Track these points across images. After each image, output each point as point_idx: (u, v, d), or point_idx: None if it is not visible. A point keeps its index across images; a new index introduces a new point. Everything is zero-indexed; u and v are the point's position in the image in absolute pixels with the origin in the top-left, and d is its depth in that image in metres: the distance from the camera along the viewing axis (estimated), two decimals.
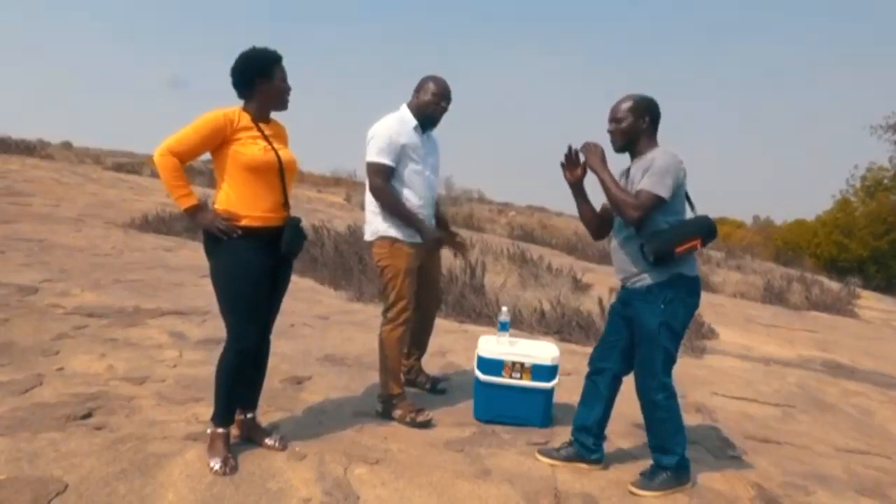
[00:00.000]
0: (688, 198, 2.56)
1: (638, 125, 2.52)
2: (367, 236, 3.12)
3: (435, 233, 3.08)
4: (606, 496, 2.50)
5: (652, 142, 2.55)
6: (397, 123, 3.02)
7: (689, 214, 2.55)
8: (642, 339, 2.54)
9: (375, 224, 3.05)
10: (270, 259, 2.44)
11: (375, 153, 2.96)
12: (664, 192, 2.39)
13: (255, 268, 2.39)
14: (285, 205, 2.49)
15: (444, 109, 3.10)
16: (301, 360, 3.79)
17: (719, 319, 7.20)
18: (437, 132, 3.23)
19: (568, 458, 2.72)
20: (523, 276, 7.59)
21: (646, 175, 2.42)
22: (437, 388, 3.49)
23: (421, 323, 3.36)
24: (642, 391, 2.57)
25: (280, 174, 2.44)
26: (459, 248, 3.43)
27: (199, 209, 2.37)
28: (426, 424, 3.00)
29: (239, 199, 2.39)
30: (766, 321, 8.01)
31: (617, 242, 2.63)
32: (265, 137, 2.42)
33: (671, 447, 2.56)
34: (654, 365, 2.51)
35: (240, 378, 2.47)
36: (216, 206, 2.42)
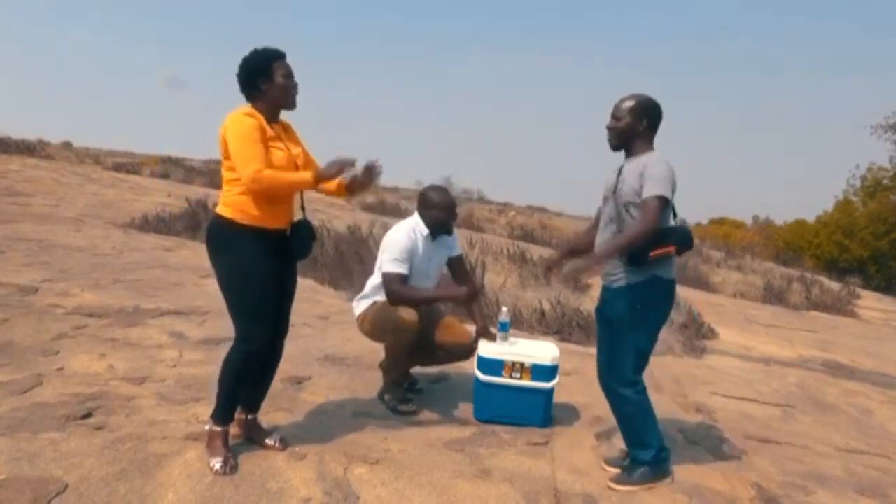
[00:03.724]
0: (672, 207, 2.56)
1: (635, 126, 2.54)
2: (357, 312, 3.26)
3: (460, 290, 3.13)
4: (606, 496, 2.50)
5: (647, 145, 2.56)
6: (410, 233, 3.15)
7: (671, 223, 2.56)
8: (615, 336, 2.59)
9: (362, 305, 3.23)
10: (277, 260, 2.44)
11: (390, 263, 3.07)
12: (667, 192, 2.40)
13: (264, 269, 2.38)
14: (301, 208, 2.51)
15: (446, 220, 3.20)
16: (301, 360, 3.79)
17: (719, 319, 7.20)
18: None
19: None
20: (523, 276, 7.60)
21: (645, 183, 2.41)
22: (415, 388, 3.53)
23: (429, 339, 3.29)
24: (610, 387, 2.61)
25: None
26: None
27: (321, 176, 2.32)
28: (405, 414, 3.12)
29: (254, 202, 2.34)
30: (766, 321, 8.00)
31: (600, 242, 2.66)
32: (283, 141, 2.42)
33: (647, 441, 2.59)
34: (625, 362, 2.55)
35: (245, 379, 2.45)
36: (222, 206, 2.38)
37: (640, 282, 2.50)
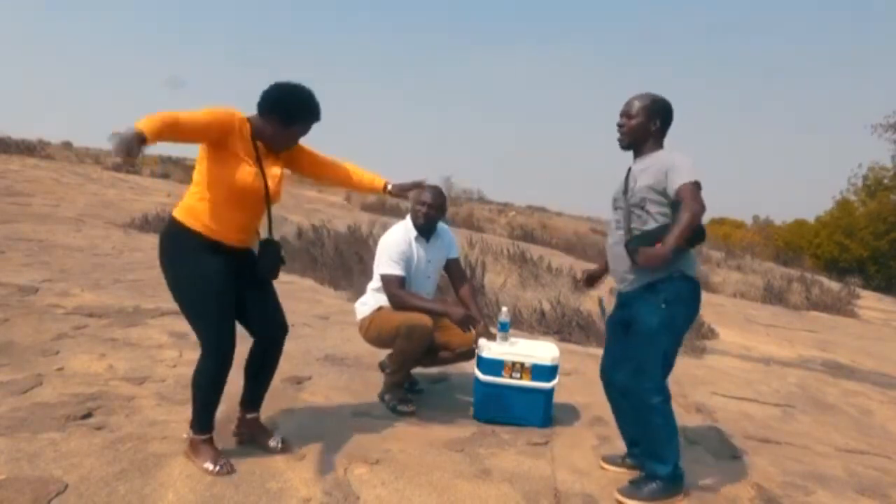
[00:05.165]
0: None
1: (648, 126, 2.47)
2: (358, 317, 3.32)
3: (460, 311, 3.13)
4: (606, 496, 2.50)
5: (657, 144, 2.50)
6: (402, 234, 3.25)
7: None
8: (640, 340, 2.47)
9: (365, 310, 3.27)
10: (233, 278, 2.35)
11: (386, 265, 3.16)
12: (698, 177, 2.31)
13: (220, 270, 2.29)
14: (267, 228, 2.44)
15: (425, 214, 3.23)
16: (301, 360, 3.79)
17: (719, 319, 7.20)
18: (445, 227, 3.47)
19: (633, 467, 2.68)
20: (523, 276, 7.60)
21: (672, 175, 2.34)
22: (415, 388, 3.53)
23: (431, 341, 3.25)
24: (637, 394, 2.48)
25: (266, 201, 2.37)
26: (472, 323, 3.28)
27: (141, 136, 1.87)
28: (405, 414, 3.12)
29: (215, 215, 2.27)
30: (766, 321, 8.01)
31: (610, 244, 2.61)
32: (259, 160, 2.32)
33: (665, 455, 2.46)
34: (651, 366, 2.44)
35: (219, 390, 2.36)
36: (180, 209, 2.31)
37: (663, 278, 2.40)
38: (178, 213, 2.32)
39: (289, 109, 2.31)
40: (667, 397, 2.48)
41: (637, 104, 2.49)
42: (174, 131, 2.04)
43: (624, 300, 2.60)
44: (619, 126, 2.53)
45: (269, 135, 2.34)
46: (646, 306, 2.45)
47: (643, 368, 2.46)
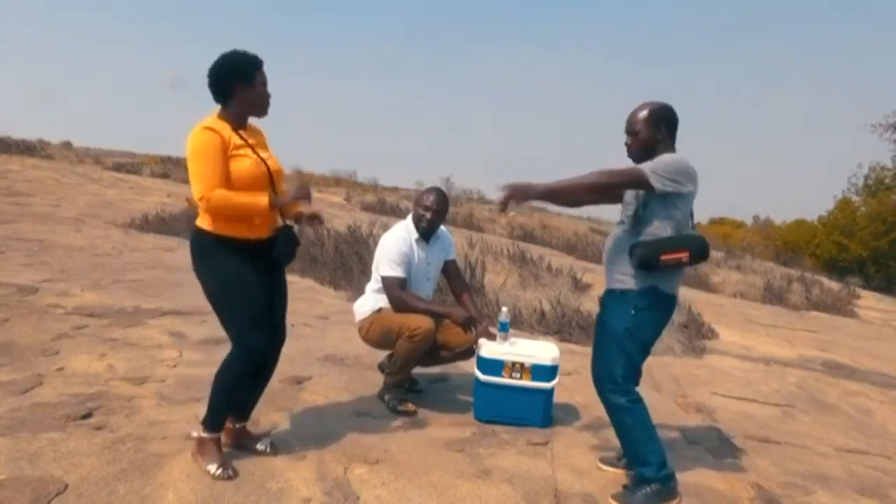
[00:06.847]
0: (691, 214, 2.49)
1: (654, 136, 2.44)
2: (357, 318, 3.30)
3: (461, 313, 3.16)
4: (606, 496, 2.50)
5: (669, 149, 2.45)
6: (403, 235, 3.24)
7: (689, 230, 2.48)
8: (606, 341, 2.50)
9: (364, 311, 3.25)
10: (261, 269, 2.39)
11: (387, 266, 3.15)
12: (655, 180, 2.29)
13: (250, 274, 2.34)
14: (280, 214, 2.45)
15: (430, 220, 3.23)
16: (301, 360, 3.79)
17: (719, 319, 7.20)
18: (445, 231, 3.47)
19: (630, 467, 2.66)
20: (523, 276, 7.60)
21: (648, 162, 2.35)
22: (415, 388, 3.53)
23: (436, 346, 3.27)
24: (603, 394, 2.51)
25: (271, 185, 2.39)
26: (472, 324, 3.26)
27: (275, 204, 2.33)
28: (405, 413, 3.12)
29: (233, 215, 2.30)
30: (766, 321, 8.00)
31: (608, 240, 2.61)
32: (251, 147, 2.34)
33: (645, 456, 2.45)
34: (614, 369, 2.45)
35: (242, 387, 2.40)
36: (200, 217, 2.34)
37: (638, 290, 2.42)
38: (201, 222, 2.35)
39: (240, 71, 2.31)
40: (634, 398, 2.48)
41: (638, 117, 2.45)
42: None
43: (604, 299, 2.61)
44: (627, 145, 2.50)
45: (248, 105, 2.36)
46: (616, 309, 2.48)
47: (607, 369, 2.49)
